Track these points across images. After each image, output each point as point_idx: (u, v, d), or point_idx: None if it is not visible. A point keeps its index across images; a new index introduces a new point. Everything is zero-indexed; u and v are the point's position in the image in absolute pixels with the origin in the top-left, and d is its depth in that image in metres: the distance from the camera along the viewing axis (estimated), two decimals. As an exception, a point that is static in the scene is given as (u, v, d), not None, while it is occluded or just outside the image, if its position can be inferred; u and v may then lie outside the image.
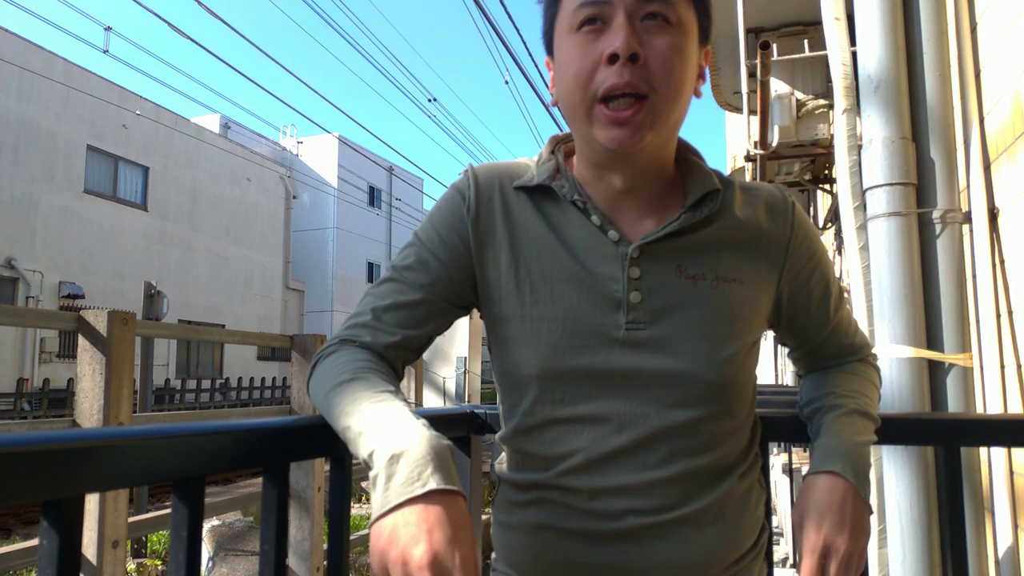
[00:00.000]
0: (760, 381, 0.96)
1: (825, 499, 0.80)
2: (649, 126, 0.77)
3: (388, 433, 0.68)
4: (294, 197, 23.23)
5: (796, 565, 0.79)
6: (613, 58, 0.74)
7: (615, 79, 0.75)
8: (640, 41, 0.75)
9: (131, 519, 2.83)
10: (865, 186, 2.00)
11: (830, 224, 5.34)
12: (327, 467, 0.92)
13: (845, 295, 0.98)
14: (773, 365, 8.24)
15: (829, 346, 0.96)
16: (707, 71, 0.86)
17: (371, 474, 0.67)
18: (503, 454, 0.93)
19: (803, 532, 0.79)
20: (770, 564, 0.99)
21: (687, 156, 0.88)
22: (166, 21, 8.55)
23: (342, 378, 0.78)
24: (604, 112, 0.76)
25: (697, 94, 0.84)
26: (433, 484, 0.64)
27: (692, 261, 0.83)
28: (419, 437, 0.67)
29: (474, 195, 0.86)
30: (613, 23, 0.75)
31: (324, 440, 0.82)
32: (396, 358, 0.86)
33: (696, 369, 0.80)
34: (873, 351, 1.02)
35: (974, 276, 1.91)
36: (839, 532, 0.77)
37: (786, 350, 1.02)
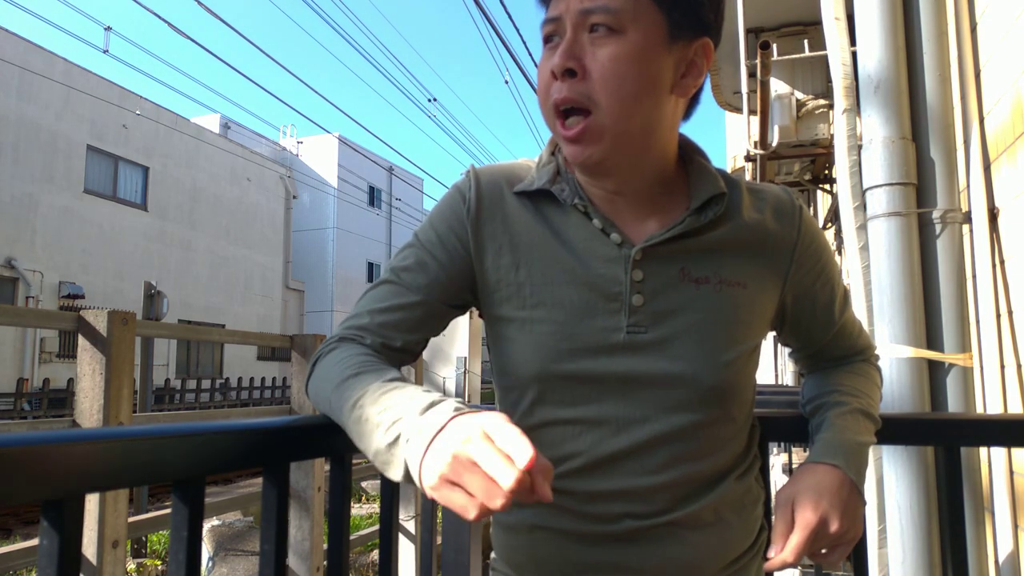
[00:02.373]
0: (760, 381, 0.96)
1: (824, 482, 0.79)
2: (597, 141, 0.77)
3: (416, 399, 0.67)
4: (294, 197, 23.22)
5: (769, 545, 0.78)
6: (554, 74, 0.77)
7: (556, 94, 0.77)
8: (584, 54, 0.76)
9: (131, 519, 2.83)
10: (865, 186, 2.00)
11: (830, 224, 5.33)
12: (327, 467, 0.92)
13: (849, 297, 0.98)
14: (773, 365, 8.24)
15: (833, 348, 0.96)
16: (702, 65, 0.80)
17: (401, 436, 0.65)
18: (502, 453, 0.92)
19: (797, 509, 0.77)
20: (770, 564, 0.99)
21: (693, 157, 0.87)
22: (166, 21, 8.55)
23: (349, 372, 0.77)
24: (560, 129, 0.79)
25: (680, 93, 0.80)
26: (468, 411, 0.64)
27: (696, 264, 0.82)
28: (447, 398, 0.67)
29: (475, 196, 0.85)
30: (564, 38, 0.77)
31: (324, 440, 0.82)
32: (394, 360, 0.86)
33: (697, 373, 0.79)
34: (876, 351, 1.02)
35: (974, 276, 1.91)
36: (835, 513, 0.76)
37: (787, 350, 1.02)
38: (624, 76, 0.75)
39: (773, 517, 0.79)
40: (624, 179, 0.82)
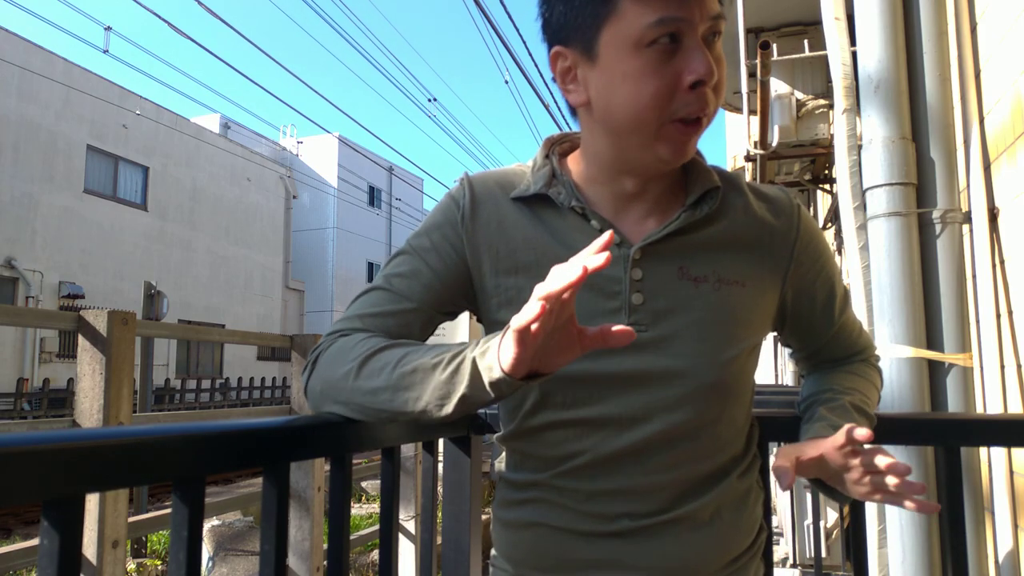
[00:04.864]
0: (760, 381, 0.96)
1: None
2: (698, 139, 0.78)
3: (466, 343, 0.72)
4: (294, 197, 23.23)
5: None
6: (696, 84, 0.72)
7: (696, 105, 0.73)
8: None
9: (131, 519, 2.83)
10: (865, 186, 2.00)
11: (830, 224, 5.33)
12: (327, 467, 0.92)
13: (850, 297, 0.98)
14: (773, 365, 8.23)
15: (833, 348, 0.96)
16: None
17: (466, 359, 0.70)
18: (503, 453, 0.93)
19: (815, 442, 0.82)
20: (769, 564, 0.99)
21: None
22: (166, 21, 8.55)
23: (375, 347, 0.78)
24: (680, 129, 0.75)
25: None
26: None
27: (694, 262, 0.82)
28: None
29: (469, 204, 0.85)
30: (685, 42, 0.72)
31: (324, 440, 0.82)
32: None
33: (697, 371, 0.80)
34: (876, 352, 1.02)
35: (974, 276, 1.91)
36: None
37: (787, 350, 1.02)
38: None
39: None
40: (654, 176, 0.83)
